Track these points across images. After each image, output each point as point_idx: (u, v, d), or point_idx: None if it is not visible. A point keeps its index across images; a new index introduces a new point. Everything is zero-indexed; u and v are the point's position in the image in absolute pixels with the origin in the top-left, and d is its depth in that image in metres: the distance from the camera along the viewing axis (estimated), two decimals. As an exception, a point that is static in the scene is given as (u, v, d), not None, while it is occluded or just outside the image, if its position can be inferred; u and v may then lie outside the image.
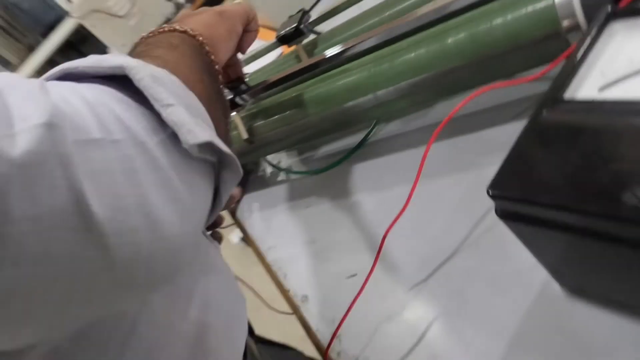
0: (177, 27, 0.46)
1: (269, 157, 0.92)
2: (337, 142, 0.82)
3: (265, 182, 0.89)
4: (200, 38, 0.47)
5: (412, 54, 0.59)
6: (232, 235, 1.96)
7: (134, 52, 0.43)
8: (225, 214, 0.86)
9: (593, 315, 0.40)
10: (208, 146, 0.34)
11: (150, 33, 0.46)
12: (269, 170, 0.91)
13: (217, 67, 0.48)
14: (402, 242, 0.56)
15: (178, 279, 0.40)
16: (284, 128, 0.75)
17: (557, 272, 0.41)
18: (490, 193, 0.38)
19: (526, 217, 0.37)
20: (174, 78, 0.36)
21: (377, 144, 0.74)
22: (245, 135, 0.78)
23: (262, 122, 0.77)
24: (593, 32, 0.40)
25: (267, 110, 0.77)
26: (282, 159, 0.90)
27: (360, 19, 0.72)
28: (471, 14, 0.54)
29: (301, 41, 0.77)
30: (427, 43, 0.57)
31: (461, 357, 0.46)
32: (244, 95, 0.74)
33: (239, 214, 0.88)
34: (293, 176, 0.84)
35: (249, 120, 0.78)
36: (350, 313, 0.55)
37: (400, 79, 0.60)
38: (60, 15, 3.02)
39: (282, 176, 0.87)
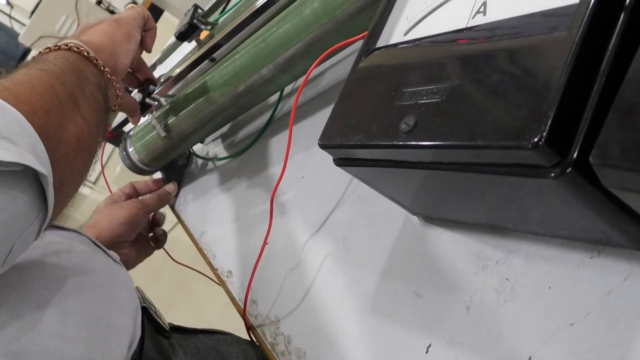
0: (62, 45, 0.50)
1: (198, 150, 0.96)
2: (254, 122, 0.86)
3: (197, 174, 0.93)
4: (86, 53, 0.51)
5: (281, 30, 0.63)
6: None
7: (20, 65, 0.46)
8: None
9: (438, 235, 0.44)
10: None
11: (46, 48, 0.50)
12: (199, 162, 0.95)
13: (105, 69, 0.53)
14: (295, 204, 0.60)
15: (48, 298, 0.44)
16: (196, 118, 0.79)
17: (400, 203, 0.45)
18: (320, 144, 0.42)
19: (350, 160, 0.41)
20: None
21: (285, 118, 0.78)
22: (163, 133, 0.81)
23: (176, 117, 0.81)
24: (393, -18, 0.44)
25: (178, 105, 0.80)
26: (210, 148, 0.94)
27: (244, 5, 0.76)
28: (319, -17, 0.58)
29: (198, 35, 0.80)
30: (290, 17, 0.61)
31: (346, 293, 0.50)
32: (155, 95, 0.78)
33: (176, 207, 0.92)
34: (219, 163, 0.88)
35: (164, 118, 0.82)
36: (262, 277, 0.60)
37: (276, 54, 0.64)
38: (29, 49, 3.06)
39: (210, 165, 0.91)
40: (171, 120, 0.81)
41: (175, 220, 0.96)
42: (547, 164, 0.27)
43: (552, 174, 0.27)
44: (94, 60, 0.51)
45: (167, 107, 0.82)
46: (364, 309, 0.47)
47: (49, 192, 0.37)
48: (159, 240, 0.86)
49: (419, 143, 0.32)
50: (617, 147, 0.23)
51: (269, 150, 0.77)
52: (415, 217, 0.47)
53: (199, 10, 0.79)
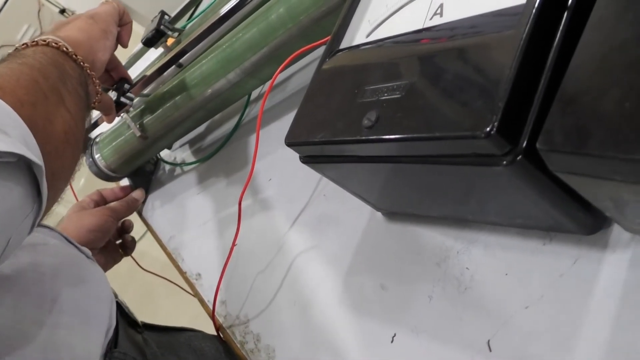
0: (39, 41, 0.49)
1: (165, 156, 0.96)
2: (221, 127, 0.86)
3: (165, 180, 0.93)
4: (65, 48, 0.50)
5: (247, 35, 0.64)
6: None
7: None
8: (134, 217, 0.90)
9: (402, 230, 0.46)
10: None
11: (23, 44, 0.49)
12: (167, 168, 0.95)
13: (84, 65, 0.52)
14: (264, 205, 0.61)
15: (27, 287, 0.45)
16: (171, 118, 0.78)
17: (365, 199, 0.47)
18: (286, 142, 0.43)
19: (316, 157, 0.42)
20: None
21: (252, 122, 0.79)
22: (138, 133, 0.80)
23: (151, 116, 0.80)
24: (355, -13, 0.46)
25: (152, 104, 0.79)
26: (177, 154, 0.94)
27: (211, 10, 0.77)
28: (284, -11, 0.59)
29: (165, 41, 0.80)
30: (256, 23, 0.63)
31: (314, 289, 0.51)
32: (129, 94, 0.76)
33: (144, 213, 0.92)
34: (187, 168, 0.89)
35: (138, 118, 0.81)
36: (231, 278, 0.60)
37: (243, 58, 0.65)
38: None
39: (178, 170, 0.91)
40: (147, 119, 0.80)
41: (143, 230, 0.96)
42: (499, 152, 0.29)
43: (504, 162, 0.29)
44: (73, 56, 0.51)
45: (143, 106, 0.81)
46: (332, 304, 0.49)
47: (43, 183, 0.36)
48: (128, 248, 0.86)
49: (381, 137, 0.34)
50: (560, 133, 0.25)
51: (237, 154, 0.78)
52: (379, 213, 0.49)
53: (166, 17, 0.80)
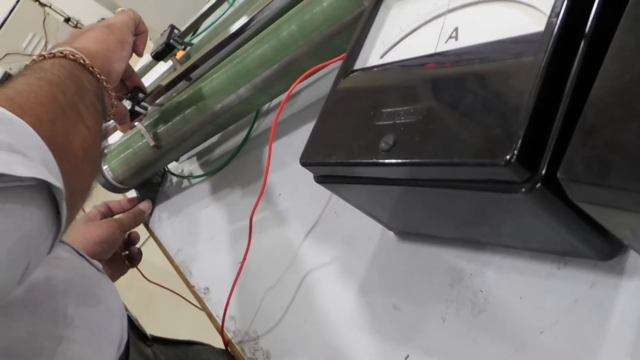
0: (56, 53, 0.49)
1: (173, 169, 0.96)
2: (229, 141, 0.87)
3: (172, 192, 0.94)
4: (82, 60, 0.49)
5: (258, 51, 0.64)
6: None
7: (16, 74, 0.45)
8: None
9: (414, 250, 0.46)
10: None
11: (40, 56, 0.48)
12: (174, 180, 0.95)
13: (101, 77, 0.51)
14: (273, 221, 0.61)
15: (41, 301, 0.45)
16: (180, 132, 0.78)
17: (378, 219, 0.47)
18: (301, 162, 0.43)
19: (331, 178, 0.42)
20: None
21: (261, 136, 0.80)
22: (152, 142, 0.79)
23: (164, 127, 0.80)
24: (369, 9, 0.46)
25: (165, 115, 0.79)
26: (184, 166, 0.95)
27: (220, 27, 0.77)
28: (296, 8, 0.60)
29: (174, 54, 0.81)
30: (268, 40, 0.63)
31: (325, 307, 0.51)
32: (143, 103, 0.76)
33: (151, 225, 0.92)
34: (194, 181, 0.89)
35: (152, 127, 0.80)
36: (240, 294, 0.60)
37: (254, 74, 0.65)
38: None
39: (185, 183, 0.91)
40: (160, 129, 0.79)
41: (144, 238, 0.96)
42: (518, 179, 0.29)
43: (523, 189, 0.29)
44: (90, 68, 0.50)
45: (157, 115, 0.80)
46: (344, 323, 0.49)
47: (63, 206, 0.36)
48: (134, 259, 0.86)
49: (399, 161, 0.34)
50: (582, 163, 0.25)
51: (245, 168, 0.78)
52: (391, 232, 0.49)
53: (175, 31, 0.80)
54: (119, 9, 0.66)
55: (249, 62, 0.65)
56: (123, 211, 0.89)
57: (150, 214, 0.93)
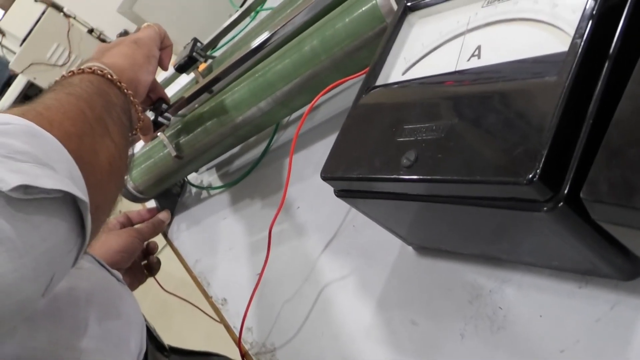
0: (85, 69, 0.50)
1: (192, 179, 0.97)
2: (248, 153, 0.88)
3: (191, 203, 0.94)
4: (110, 76, 0.50)
5: (280, 65, 0.65)
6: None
7: (46, 90, 0.46)
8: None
9: (433, 265, 0.46)
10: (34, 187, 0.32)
11: (69, 72, 0.50)
12: (193, 190, 0.96)
13: (128, 92, 0.52)
14: (291, 234, 0.62)
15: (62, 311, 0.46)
16: (201, 143, 0.79)
17: (397, 234, 0.47)
18: (322, 176, 0.43)
19: (351, 192, 0.43)
20: (15, 128, 0.35)
21: (280, 149, 0.80)
22: (174, 153, 0.80)
23: (186, 138, 0.81)
24: (392, 26, 0.47)
25: (187, 126, 0.80)
26: (204, 177, 0.96)
27: (242, 40, 0.79)
28: (319, 23, 0.61)
29: (197, 67, 0.82)
30: (290, 54, 0.64)
31: (343, 321, 0.51)
32: (167, 114, 0.77)
33: (169, 235, 0.93)
34: (213, 192, 0.90)
35: (174, 138, 0.81)
36: (257, 305, 0.61)
37: (275, 88, 0.66)
38: (16, 75, 3.06)
39: (204, 194, 0.92)
40: (182, 140, 0.80)
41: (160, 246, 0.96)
42: (540, 198, 0.29)
43: (545, 208, 0.29)
44: (118, 83, 0.51)
45: (179, 126, 0.81)
46: (361, 337, 0.49)
47: (88, 219, 0.36)
48: (153, 269, 0.87)
49: (420, 177, 0.34)
50: (605, 184, 0.25)
51: (264, 181, 0.79)
52: (410, 247, 0.49)
53: (198, 44, 0.81)
54: (145, 24, 0.68)
55: (270, 75, 0.66)
56: (142, 221, 0.90)
57: (169, 224, 0.94)
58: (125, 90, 0.52)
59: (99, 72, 0.50)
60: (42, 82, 2.81)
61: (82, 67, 0.50)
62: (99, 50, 0.59)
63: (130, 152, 0.50)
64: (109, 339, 0.48)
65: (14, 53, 2.88)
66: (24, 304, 0.32)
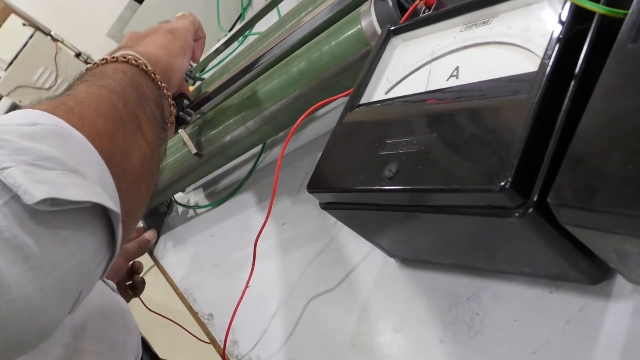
0: (119, 57, 0.46)
1: (179, 199, 0.99)
2: (235, 172, 0.90)
3: (178, 222, 0.96)
4: (144, 67, 0.47)
5: (267, 86, 0.67)
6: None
7: (72, 83, 0.43)
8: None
9: (414, 275, 0.48)
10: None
11: (103, 59, 0.47)
12: (180, 209, 0.97)
13: (162, 85, 0.49)
14: (277, 249, 0.64)
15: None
16: (193, 160, 0.79)
17: (380, 246, 0.49)
18: (308, 189, 0.46)
19: (336, 204, 0.45)
20: (42, 129, 0.32)
21: (266, 168, 0.82)
22: (194, 150, 0.79)
23: (174, 157, 0.81)
24: (376, 48, 0.49)
25: (177, 146, 0.80)
26: (190, 197, 0.97)
27: (231, 63, 0.81)
28: (306, 46, 0.63)
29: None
30: (277, 75, 0.66)
31: (328, 332, 0.53)
32: (188, 110, 0.76)
33: (155, 253, 0.94)
34: (200, 211, 0.91)
35: (195, 135, 0.80)
36: (244, 319, 0.62)
37: (262, 108, 0.69)
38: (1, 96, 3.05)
39: (191, 212, 0.94)
40: (204, 137, 0.78)
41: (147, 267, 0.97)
42: (512, 205, 0.31)
43: (517, 214, 0.31)
44: (152, 75, 0.48)
45: (200, 122, 0.79)
46: (345, 347, 0.50)
47: (118, 229, 0.34)
48: (137, 288, 0.87)
49: (401, 187, 0.37)
50: (570, 189, 0.27)
51: (250, 199, 0.81)
52: (392, 259, 0.51)
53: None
54: (180, 13, 0.64)
55: (258, 96, 0.68)
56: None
57: (155, 242, 0.95)
58: (160, 83, 0.49)
59: (133, 61, 0.47)
60: (27, 104, 2.81)
61: (115, 55, 0.47)
62: (131, 38, 0.55)
63: (162, 151, 0.47)
64: (107, 342, 0.49)
65: (0, 76, 2.88)
66: (49, 326, 0.31)
